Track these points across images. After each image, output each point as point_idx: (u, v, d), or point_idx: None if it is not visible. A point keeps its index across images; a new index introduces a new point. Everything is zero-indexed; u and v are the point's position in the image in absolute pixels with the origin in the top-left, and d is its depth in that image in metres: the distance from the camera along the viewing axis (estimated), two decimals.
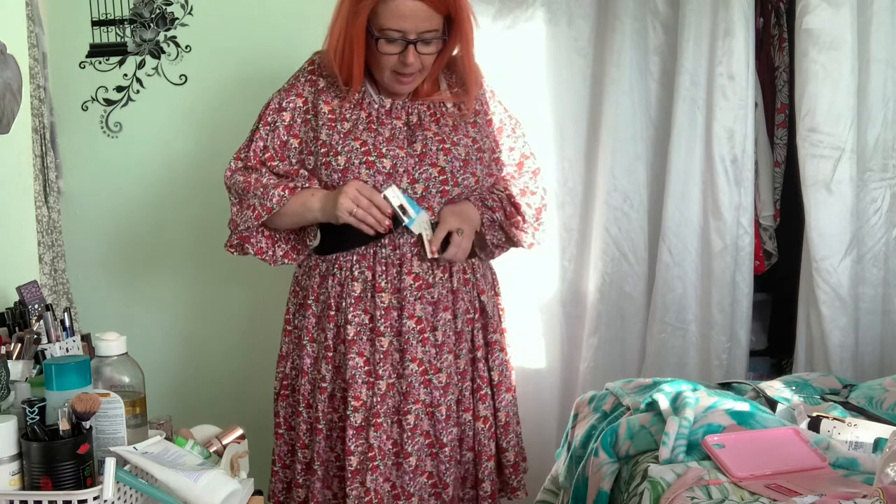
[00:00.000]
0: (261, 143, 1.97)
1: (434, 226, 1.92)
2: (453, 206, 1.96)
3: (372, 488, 1.90)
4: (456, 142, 1.95)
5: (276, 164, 1.96)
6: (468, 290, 2.00)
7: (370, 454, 1.91)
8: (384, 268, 1.92)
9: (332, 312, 1.95)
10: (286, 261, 2.03)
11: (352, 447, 1.91)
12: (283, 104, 1.97)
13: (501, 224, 2.04)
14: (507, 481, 2.08)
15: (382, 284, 1.92)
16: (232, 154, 2.02)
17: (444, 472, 1.97)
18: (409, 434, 1.92)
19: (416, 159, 1.91)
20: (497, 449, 2.06)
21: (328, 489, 2.00)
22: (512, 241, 2.08)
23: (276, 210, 1.91)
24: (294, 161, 1.97)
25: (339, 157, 1.90)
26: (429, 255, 1.91)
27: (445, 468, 1.97)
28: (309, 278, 2.02)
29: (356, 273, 1.94)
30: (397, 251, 1.93)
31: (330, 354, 1.96)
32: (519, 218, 2.05)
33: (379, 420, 1.91)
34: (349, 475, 1.91)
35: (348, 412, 1.91)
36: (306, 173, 1.95)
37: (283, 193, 1.90)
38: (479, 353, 2.01)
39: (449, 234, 1.91)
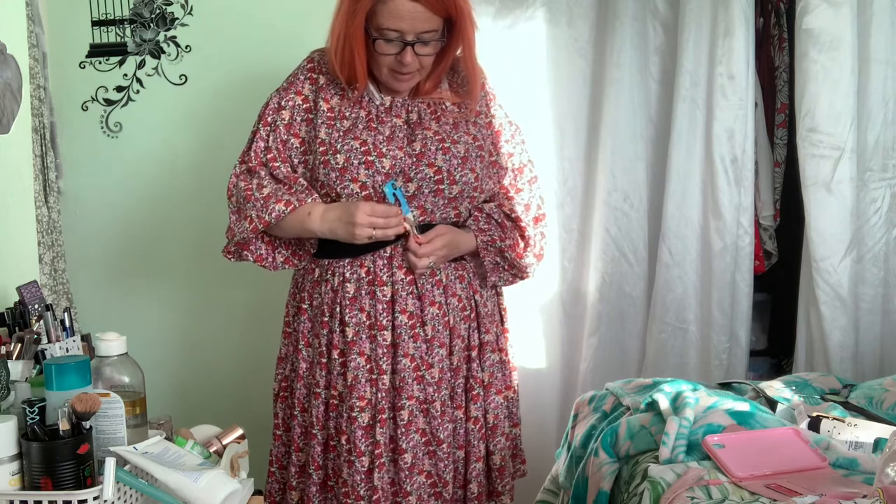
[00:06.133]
0: (261, 144, 1.96)
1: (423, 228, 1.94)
2: (455, 235, 1.96)
3: (379, 486, 1.91)
4: (456, 139, 1.95)
5: (277, 164, 1.95)
6: (463, 286, 2.00)
7: (377, 451, 1.91)
8: (384, 262, 1.92)
9: (326, 318, 1.95)
10: (286, 266, 2.03)
11: (362, 447, 1.91)
12: (283, 103, 1.96)
13: (512, 262, 2.03)
14: (493, 485, 2.06)
15: (384, 278, 1.92)
16: (232, 157, 2.02)
17: (444, 470, 1.96)
18: (404, 430, 1.92)
19: (414, 159, 1.91)
20: (486, 451, 2.05)
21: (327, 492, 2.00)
22: (521, 277, 2.08)
23: (273, 224, 1.92)
24: (296, 161, 1.96)
25: (339, 156, 1.90)
26: (411, 243, 1.90)
27: (444, 465, 1.96)
28: (305, 282, 2.02)
29: (348, 274, 1.93)
30: (386, 244, 1.92)
31: (324, 360, 1.96)
32: (523, 245, 2.05)
33: (384, 416, 1.91)
34: (362, 476, 1.91)
35: (354, 414, 1.91)
36: (305, 183, 1.94)
37: (283, 209, 1.89)
38: (474, 353, 2.01)
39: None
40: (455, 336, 1.98)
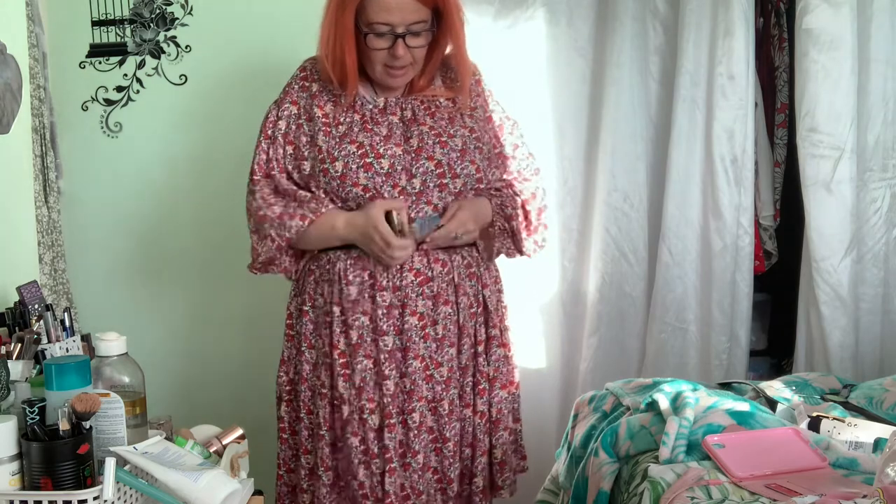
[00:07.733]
0: (263, 157, 1.99)
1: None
2: (472, 204, 1.98)
3: (391, 490, 1.91)
4: (452, 133, 1.96)
5: (281, 176, 1.98)
6: (472, 283, 2.00)
7: (387, 456, 1.91)
8: (384, 266, 1.92)
9: (329, 319, 1.95)
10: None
11: (375, 450, 1.91)
12: (280, 114, 1.99)
13: (514, 232, 2.05)
14: (493, 479, 2.06)
15: (384, 283, 1.92)
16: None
17: (448, 468, 1.97)
18: (416, 432, 1.92)
19: (413, 154, 1.92)
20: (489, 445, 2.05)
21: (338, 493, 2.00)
22: (519, 250, 2.09)
23: (294, 240, 1.94)
24: (291, 168, 1.98)
25: (337, 163, 1.91)
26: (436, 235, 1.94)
27: (449, 463, 1.97)
28: (305, 284, 2.02)
29: (351, 277, 1.93)
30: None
31: (328, 361, 1.96)
32: (527, 226, 2.08)
33: (392, 421, 1.91)
34: (378, 478, 1.91)
35: (364, 416, 1.91)
36: (308, 195, 1.95)
37: (301, 224, 1.92)
38: (480, 348, 2.01)
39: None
40: (464, 335, 1.98)
